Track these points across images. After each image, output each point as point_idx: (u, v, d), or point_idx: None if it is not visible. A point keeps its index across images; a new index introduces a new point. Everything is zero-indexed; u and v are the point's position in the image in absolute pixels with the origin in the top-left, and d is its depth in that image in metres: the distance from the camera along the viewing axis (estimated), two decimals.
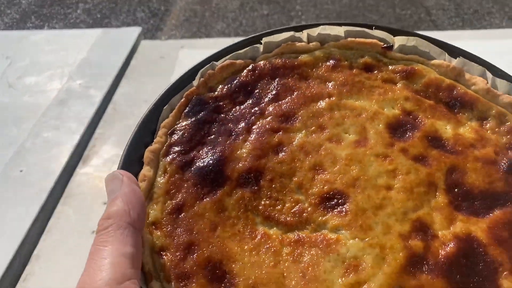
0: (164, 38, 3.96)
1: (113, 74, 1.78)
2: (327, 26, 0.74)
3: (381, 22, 4.03)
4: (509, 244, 0.55)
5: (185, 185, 0.60)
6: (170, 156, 0.63)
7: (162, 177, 0.61)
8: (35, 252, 1.23)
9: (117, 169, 0.58)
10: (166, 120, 0.66)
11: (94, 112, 1.61)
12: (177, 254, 0.55)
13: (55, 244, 1.25)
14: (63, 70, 1.81)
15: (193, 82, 0.70)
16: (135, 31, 2.01)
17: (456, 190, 0.60)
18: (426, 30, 3.88)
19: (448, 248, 0.55)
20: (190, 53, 1.86)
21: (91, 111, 1.61)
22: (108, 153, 1.48)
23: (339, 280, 0.53)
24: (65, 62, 1.86)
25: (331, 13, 4.14)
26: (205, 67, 0.70)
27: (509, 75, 0.69)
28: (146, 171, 0.60)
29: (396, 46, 0.73)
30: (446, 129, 0.65)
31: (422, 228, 0.56)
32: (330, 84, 0.70)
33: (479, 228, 0.56)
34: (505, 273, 0.54)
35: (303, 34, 0.75)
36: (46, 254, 1.23)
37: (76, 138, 1.51)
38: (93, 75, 1.78)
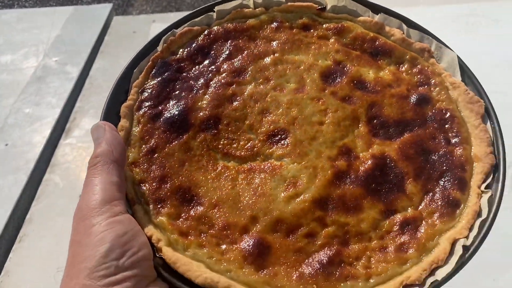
0: (136, 13, 3.97)
1: (88, 50, 1.86)
2: None
3: None
4: (414, 159, 0.71)
5: (156, 132, 0.73)
6: (142, 110, 0.75)
7: (136, 127, 0.74)
8: (27, 216, 1.35)
9: (99, 121, 0.71)
10: (137, 81, 0.77)
11: (72, 87, 1.70)
12: (153, 184, 0.69)
13: (45, 208, 1.37)
14: (37, 48, 1.88)
15: (158, 47, 0.81)
16: (106, 7, 2.07)
17: (375, 121, 0.75)
18: None
19: (367, 165, 0.70)
20: (161, 27, 1.92)
21: (69, 86, 1.71)
22: (88, 124, 1.58)
23: (282, 194, 0.68)
24: (39, 40, 1.92)
25: None
26: (167, 34, 0.82)
27: (420, 26, 0.83)
28: (123, 122, 0.73)
29: (328, 7, 0.86)
30: (369, 74, 0.80)
31: (347, 152, 0.72)
32: (274, 43, 0.83)
33: (391, 148, 0.72)
34: (409, 179, 0.70)
35: (250, 1, 0.86)
36: (38, 217, 1.35)
37: (57, 112, 1.61)
38: (68, 52, 1.86)
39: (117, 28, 2.00)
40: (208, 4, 0.87)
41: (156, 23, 1.96)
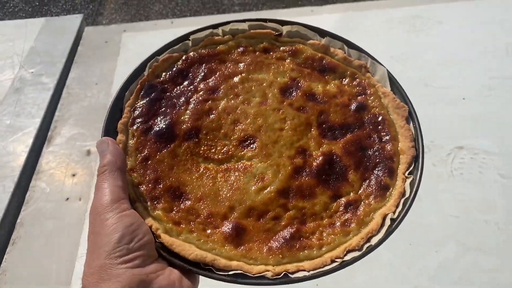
0: (106, 23, 4.01)
1: (62, 60, 1.92)
2: (235, 23, 1.03)
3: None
4: (354, 154, 0.90)
5: (148, 143, 0.89)
6: (135, 126, 0.91)
7: (132, 140, 0.89)
8: (18, 220, 1.44)
9: (101, 137, 0.87)
10: (129, 102, 0.92)
11: (50, 97, 1.77)
12: (149, 185, 0.85)
13: (35, 212, 1.47)
14: (13, 60, 1.92)
15: (144, 72, 0.96)
16: (77, 18, 2.13)
17: (324, 126, 0.93)
18: (343, 1, 4.15)
19: (318, 161, 0.89)
20: (132, 35, 2.02)
21: (47, 96, 1.77)
22: (69, 132, 1.67)
23: (253, 187, 0.86)
24: (14, 52, 1.96)
25: None
26: (151, 61, 0.97)
27: (358, 46, 1.02)
28: (120, 137, 0.88)
29: (284, 32, 1.03)
30: (318, 87, 0.98)
31: (303, 151, 0.90)
32: (241, 65, 1.00)
33: (337, 147, 0.91)
34: (351, 170, 0.88)
35: (219, 30, 1.02)
36: (29, 221, 1.45)
37: (37, 122, 1.68)
38: (43, 63, 1.91)
39: (89, 38, 2.07)
40: (184, 33, 1.02)
41: (127, 32, 2.03)
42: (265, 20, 1.04)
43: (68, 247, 1.39)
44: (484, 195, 1.44)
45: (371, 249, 0.79)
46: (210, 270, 0.77)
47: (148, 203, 0.84)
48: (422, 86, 1.77)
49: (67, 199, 1.51)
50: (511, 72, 1.81)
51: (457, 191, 1.45)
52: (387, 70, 0.98)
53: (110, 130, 0.89)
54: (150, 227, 0.79)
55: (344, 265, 0.78)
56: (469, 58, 1.88)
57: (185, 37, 1.02)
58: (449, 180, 1.48)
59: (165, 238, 0.79)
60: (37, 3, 4.31)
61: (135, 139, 0.90)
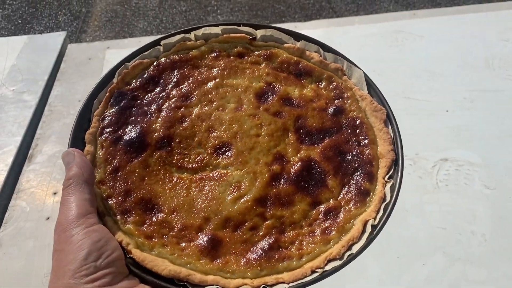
0: (89, 40, 3.98)
1: (45, 78, 1.87)
2: (207, 27, 0.99)
3: (288, 12, 4.33)
4: (333, 159, 0.85)
5: (118, 153, 0.83)
6: (104, 135, 0.85)
7: (100, 151, 0.84)
8: None
9: (68, 148, 0.81)
10: (97, 110, 0.87)
11: (31, 115, 1.71)
12: (119, 198, 0.79)
13: (14, 232, 1.40)
14: None
15: (113, 80, 0.91)
16: (60, 35, 2.09)
17: (301, 130, 0.89)
18: (326, 17, 4.24)
19: (296, 167, 0.84)
20: (116, 52, 1.97)
21: (28, 114, 1.72)
22: (51, 150, 1.61)
23: (229, 197, 0.80)
24: None
25: (244, 6, 4.38)
26: (120, 67, 0.92)
27: (334, 49, 0.98)
28: (88, 147, 0.83)
29: (258, 36, 0.99)
30: (295, 92, 0.94)
31: (280, 158, 0.85)
32: (215, 70, 0.95)
33: (315, 152, 0.86)
34: (330, 176, 0.84)
35: (191, 35, 0.98)
36: (7, 241, 1.38)
37: (18, 140, 1.63)
38: (25, 81, 1.86)
39: (72, 55, 2.02)
40: (155, 39, 0.98)
41: (110, 49, 1.99)
42: (238, 24, 1.00)
43: (48, 268, 1.32)
44: (470, 206, 1.43)
45: (353, 257, 0.74)
46: (184, 286, 0.72)
47: (118, 216, 0.78)
48: (405, 99, 1.77)
49: (48, 218, 1.45)
50: (491, 85, 1.83)
51: (443, 203, 1.43)
52: (364, 72, 0.94)
53: (77, 140, 0.83)
54: (120, 242, 0.73)
55: (325, 275, 0.73)
56: (450, 71, 1.89)
57: (156, 42, 0.97)
58: (435, 192, 1.46)
59: (136, 254, 0.73)
60: (20, 21, 4.25)
61: (104, 150, 0.84)
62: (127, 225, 0.77)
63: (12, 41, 2.11)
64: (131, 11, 4.38)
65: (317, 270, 0.73)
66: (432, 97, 1.77)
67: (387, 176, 0.83)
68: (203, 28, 0.99)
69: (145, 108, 0.89)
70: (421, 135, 1.62)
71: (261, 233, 0.78)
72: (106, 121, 0.87)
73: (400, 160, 0.83)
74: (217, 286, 0.71)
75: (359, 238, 0.76)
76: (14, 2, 4.40)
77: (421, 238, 1.35)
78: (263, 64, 0.97)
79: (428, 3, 4.41)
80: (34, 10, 4.36)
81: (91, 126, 0.86)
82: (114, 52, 1.98)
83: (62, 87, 1.88)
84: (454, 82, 1.84)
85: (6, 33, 4.10)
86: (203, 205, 0.80)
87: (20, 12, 4.35)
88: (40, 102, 1.81)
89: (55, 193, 1.51)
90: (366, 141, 0.87)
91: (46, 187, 1.53)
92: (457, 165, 1.53)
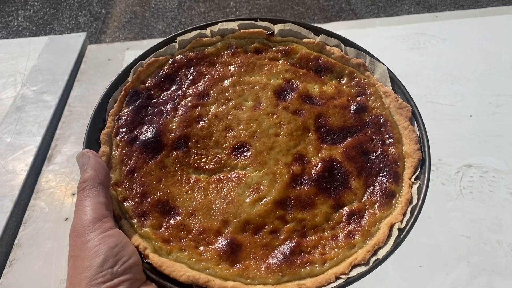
0: (109, 41, 3.97)
1: (65, 78, 1.86)
2: (224, 23, 0.95)
3: (308, 14, 4.27)
4: (356, 159, 0.81)
5: (134, 154, 0.80)
6: (119, 136, 0.82)
7: (116, 151, 0.81)
8: (16, 241, 1.36)
9: (82, 149, 0.78)
10: (112, 110, 0.84)
11: (51, 115, 1.70)
12: (135, 200, 0.76)
13: (33, 233, 1.39)
14: (15, 78, 1.87)
15: (128, 78, 0.88)
16: (80, 36, 2.08)
17: (322, 129, 0.84)
18: (346, 19, 4.15)
19: (317, 168, 0.80)
20: (135, 54, 1.87)
21: (48, 114, 1.70)
22: (70, 150, 1.59)
23: (248, 199, 0.77)
24: (16, 70, 1.91)
25: (262, 8, 4.34)
26: (135, 65, 0.89)
27: (355, 44, 0.93)
28: (103, 148, 0.80)
29: (276, 31, 0.95)
30: (315, 89, 0.89)
31: (300, 158, 0.81)
32: (231, 67, 0.92)
33: (337, 152, 0.82)
34: (353, 177, 0.79)
35: (207, 31, 0.94)
36: (27, 241, 1.37)
37: (38, 140, 1.61)
38: (45, 81, 1.86)
39: (92, 56, 2.01)
40: (170, 35, 0.95)
41: (130, 51, 1.97)
42: (256, 19, 0.96)
43: (66, 269, 1.30)
44: (496, 214, 1.35)
45: (379, 263, 0.70)
46: None
47: (135, 220, 0.75)
48: (427, 103, 1.70)
49: (66, 219, 1.43)
50: None
51: (467, 211, 1.36)
52: (388, 68, 0.88)
53: (92, 141, 0.80)
54: (137, 246, 0.70)
55: (349, 282, 0.69)
56: (474, 75, 1.82)
57: (172, 39, 0.93)
58: (458, 199, 1.39)
59: (154, 258, 0.70)
60: (41, 22, 4.26)
61: (119, 150, 0.81)
62: (144, 229, 0.74)
63: (34, 42, 2.10)
64: (150, 12, 4.36)
65: (341, 276, 0.69)
66: (456, 102, 1.70)
67: (413, 177, 0.78)
68: (219, 24, 0.95)
69: (161, 107, 0.86)
70: (444, 140, 1.56)
71: (281, 237, 0.74)
72: (122, 121, 0.84)
73: (427, 160, 0.78)
74: None
75: (385, 243, 0.72)
76: (36, 3, 4.42)
77: (444, 247, 1.29)
78: (282, 60, 0.93)
79: (450, 5, 4.29)
80: (55, 11, 4.37)
81: (106, 126, 0.83)
82: (133, 53, 1.95)
83: (82, 87, 1.87)
84: (478, 86, 1.77)
85: (27, 33, 4.12)
86: (221, 208, 0.76)
87: (42, 13, 4.36)
88: (60, 103, 1.81)
89: (73, 194, 1.50)
90: (390, 140, 0.83)
91: (65, 188, 1.51)
92: (481, 172, 1.46)
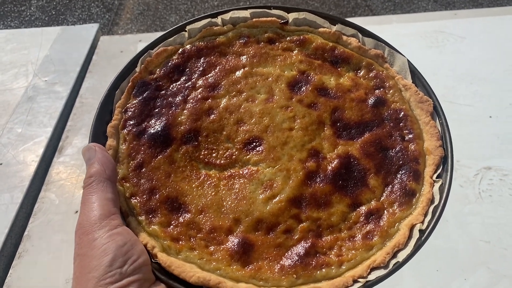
0: (121, 33, 3.91)
1: (77, 69, 1.82)
2: (235, 11, 0.89)
3: (322, 9, 4.17)
4: (374, 156, 0.76)
5: (142, 148, 0.76)
6: (127, 129, 0.78)
7: (123, 145, 0.76)
8: (25, 232, 1.33)
9: (88, 143, 0.74)
10: (120, 102, 0.80)
11: (63, 106, 1.67)
12: (143, 197, 0.72)
13: (43, 224, 1.36)
14: (27, 68, 1.84)
15: (136, 68, 0.83)
16: (93, 27, 2.04)
17: (338, 124, 0.79)
18: (362, 15, 4.05)
19: (333, 164, 0.75)
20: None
21: (59, 105, 1.67)
22: (81, 142, 1.56)
23: (260, 196, 0.72)
24: (28, 60, 1.88)
25: (277, 2, 4.24)
26: (143, 55, 0.84)
27: (374, 34, 0.88)
28: (110, 142, 0.75)
29: (290, 20, 0.89)
30: (331, 81, 0.84)
31: (315, 154, 0.76)
32: (243, 57, 0.86)
33: (354, 148, 0.77)
34: (371, 175, 0.74)
35: (218, 19, 0.89)
36: (36, 233, 1.34)
37: (49, 131, 1.58)
38: (57, 72, 1.82)
39: (104, 47, 1.97)
40: (180, 24, 0.90)
41: (142, 43, 1.92)
42: (269, 7, 0.90)
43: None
44: None
45: (398, 266, 0.65)
46: None
47: (143, 217, 0.71)
48: (445, 103, 1.61)
49: (76, 211, 1.39)
50: None
51: (487, 215, 1.31)
52: (408, 60, 0.83)
53: (98, 134, 0.76)
54: (145, 245, 0.66)
55: (368, 285, 0.64)
56: (495, 75, 1.74)
57: (181, 28, 0.88)
58: (477, 202, 1.34)
59: (163, 258, 0.66)
60: (53, 12, 4.21)
61: (127, 144, 0.77)
62: (152, 226, 0.70)
63: (46, 32, 2.07)
64: (163, 4, 4.29)
65: (359, 280, 0.65)
66: (475, 102, 1.63)
67: (435, 175, 0.73)
68: (231, 12, 0.90)
69: (170, 99, 0.82)
70: (462, 142, 1.49)
71: (296, 237, 0.70)
72: (129, 113, 0.79)
73: (449, 157, 0.73)
74: None
75: (406, 244, 0.67)
76: None
77: (462, 251, 1.23)
78: (296, 51, 0.87)
79: (469, 3, 4.13)
80: (67, 1, 4.32)
81: (113, 118, 0.78)
82: (146, 45, 1.90)
83: (94, 79, 1.84)
84: (498, 87, 1.69)
85: (40, 23, 4.07)
86: (232, 205, 0.72)
87: (54, 3, 4.31)
88: (72, 94, 1.77)
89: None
90: (411, 136, 0.77)
91: (75, 180, 1.48)
92: (501, 175, 1.39)
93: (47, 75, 1.83)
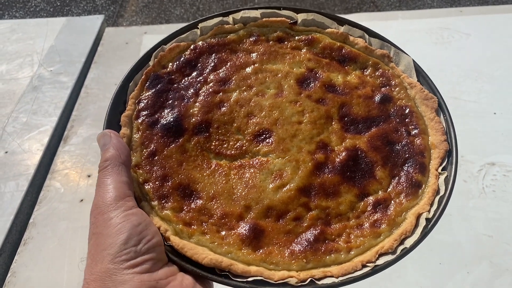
0: (126, 25, 3.87)
1: (82, 60, 1.81)
2: (246, 11, 0.90)
3: (328, 4, 4.14)
4: (381, 149, 0.76)
5: (155, 137, 0.76)
6: (140, 119, 0.78)
7: (136, 134, 0.77)
8: (31, 220, 1.32)
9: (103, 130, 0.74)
10: (133, 93, 0.80)
11: (68, 96, 1.66)
12: (156, 183, 0.72)
13: (48, 212, 1.35)
14: (32, 58, 1.82)
15: (149, 62, 0.84)
16: (98, 18, 2.02)
17: (346, 119, 0.80)
18: (367, 11, 4.03)
19: (341, 157, 0.75)
20: (153, 38, 1.88)
21: (65, 95, 1.66)
22: (86, 132, 1.55)
23: (270, 185, 0.72)
24: (33, 50, 1.86)
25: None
26: (157, 50, 0.85)
27: (380, 35, 0.88)
28: (124, 130, 0.75)
29: (299, 21, 0.90)
30: (338, 78, 0.85)
31: (324, 146, 0.76)
32: (253, 55, 0.87)
33: (361, 141, 0.77)
34: (378, 167, 0.75)
35: (229, 18, 0.90)
36: (41, 221, 1.33)
37: (54, 121, 1.57)
38: (63, 62, 1.81)
39: (109, 39, 1.95)
40: (192, 21, 0.90)
41: (147, 35, 1.90)
42: (279, 8, 0.91)
43: (80, 250, 1.26)
44: None
45: (406, 252, 0.66)
46: (226, 276, 0.64)
47: (156, 202, 0.71)
48: (450, 99, 1.62)
49: (81, 200, 1.38)
50: None
51: (490, 209, 1.30)
52: (413, 59, 0.84)
53: (112, 123, 0.76)
54: (158, 228, 0.66)
55: (376, 270, 0.65)
56: (499, 72, 1.74)
57: (194, 25, 0.89)
58: (481, 197, 1.34)
59: (175, 241, 0.66)
60: (58, 3, 4.16)
61: (140, 133, 0.77)
62: (165, 211, 0.70)
63: (52, 22, 2.05)
64: None
65: (368, 264, 0.65)
66: (480, 99, 1.63)
67: (440, 168, 0.74)
68: (242, 12, 0.91)
69: (182, 92, 0.82)
70: (467, 137, 1.49)
71: (305, 224, 0.70)
72: (142, 104, 0.80)
73: (454, 151, 0.74)
74: (260, 277, 0.64)
75: (412, 232, 0.67)
76: None
77: (465, 245, 1.23)
78: (304, 50, 0.88)
79: (475, 0, 4.10)
80: None
81: (127, 108, 0.79)
82: (151, 37, 1.89)
83: (99, 70, 1.82)
84: (503, 84, 1.69)
85: (45, 14, 4.01)
86: (243, 193, 0.72)
87: None
88: (77, 84, 1.76)
89: (89, 176, 1.45)
90: (416, 131, 0.78)
91: (80, 169, 1.47)
92: (505, 171, 1.39)
93: (52, 65, 1.81)
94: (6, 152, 1.50)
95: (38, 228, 1.32)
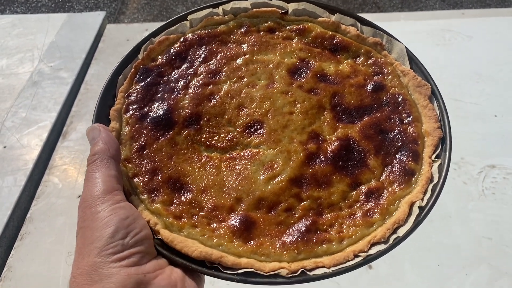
0: (127, 21, 3.81)
1: (82, 56, 1.78)
2: (236, 1, 0.87)
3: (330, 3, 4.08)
4: (373, 138, 0.73)
5: (144, 131, 0.73)
6: (130, 112, 0.75)
7: (126, 128, 0.74)
8: (28, 215, 1.30)
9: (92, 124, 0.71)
10: (122, 87, 0.77)
11: (68, 92, 1.63)
12: (146, 176, 0.69)
13: (45, 207, 1.32)
14: (32, 54, 1.80)
15: (139, 55, 0.81)
16: (100, 15, 1.99)
17: (338, 108, 0.77)
18: (369, 12, 3.95)
19: (333, 146, 0.72)
20: None
21: (65, 91, 1.63)
22: (85, 128, 1.49)
23: (261, 176, 0.70)
24: (34, 46, 1.83)
25: None
26: (146, 43, 0.82)
27: (372, 22, 0.85)
28: (113, 124, 0.73)
29: (290, 10, 0.87)
30: (330, 68, 0.81)
31: (316, 136, 0.73)
32: (244, 46, 0.84)
33: (354, 130, 0.74)
34: (371, 156, 0.72)
35: (219, 10, 0.87)
36: (39, 216, 1.30)
37: (53, 116, 1.54)
38: (63, 58, 1.78)
39: (110, 35, 1.92)
40: (182, 13, 0.87)
41: (149, 32, 1.87)
42: None
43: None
44: None
45: (399, 241, 0.63)
46: (216, 269, 0.62)
47: (145, 196, 0.68)
48: (451, 101, 1.58)
49: (79, 196, 1.35)
50: None
51: (489, 212, 1.27)
52: (405, 46, 0.80)
53: (101, 117, 0.73)
54: (148, 222, 0.64)
55: (369, 259, 0.62)
56: (500, 74, 1.70)
57: (183, 17, 0.86)
58: (480, 199, 1.30)
59: (165, 234, 0.63)
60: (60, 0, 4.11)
61: (129, 127, 0.74)
62: (155, 205, 0.67)
63: (53, 18, 2.02)
64: None
65: (360, 254, 0.62)
66: (481, 101, 1.59)
67: (434, 156, 0.71)
68: (232, 2, 0.87)
69: (172, 84, 0.79)
70: (467, 139, 1.45)
71: (297, 215, 0.67)
72: (132, 98, 0.77)
73: (448, 138, 0.71)
74: (251, 269, 0.61)
75: (405, 221, 0.65)
76: None
77: (464, 247, 1.20)
78: (296, 39, 0.85)
79: (477, 3, 4.00)
80: None
81: (116, 102, 0.76)
82: (148, 34, 1.86)
83: (99, 66, 1.79)
84: (505, 86, 1.65)
85: (46, 10, 3.94)
86: (234, 185, 0.69)
87: None
88: (77, 80, 1.73)
89: None
90: (409, 119, 0.75)
91: (79, 165, 1.44)
92: (505, 173, 1.36)
93: (53, 61, 1.78)
94: (5, 147, 1.47)
95: (35, 223, 1.29)
